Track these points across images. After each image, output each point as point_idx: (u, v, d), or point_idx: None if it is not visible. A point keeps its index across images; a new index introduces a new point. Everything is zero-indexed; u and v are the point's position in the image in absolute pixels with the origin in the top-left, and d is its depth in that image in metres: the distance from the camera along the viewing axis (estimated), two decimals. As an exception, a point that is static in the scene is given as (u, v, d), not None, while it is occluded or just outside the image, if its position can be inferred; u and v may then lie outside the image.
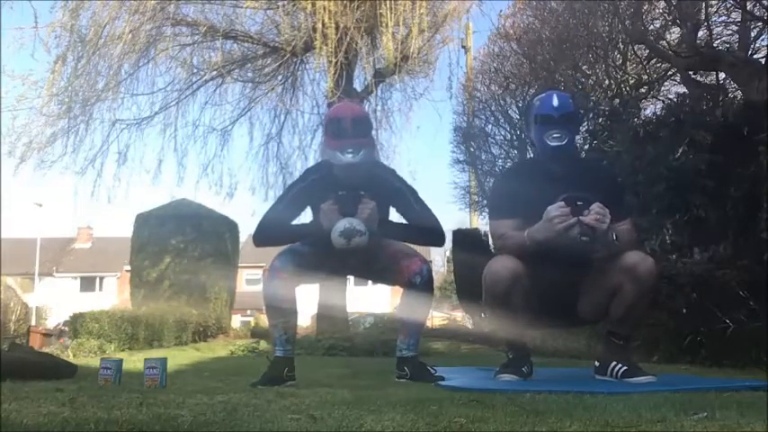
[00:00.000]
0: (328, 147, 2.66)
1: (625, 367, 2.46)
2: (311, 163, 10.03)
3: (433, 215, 2.73)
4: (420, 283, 2.61)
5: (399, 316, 2.77)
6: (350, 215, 2.51)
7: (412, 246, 2.73)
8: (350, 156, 2.56)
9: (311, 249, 2.64)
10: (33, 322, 17.72)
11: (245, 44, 10.45)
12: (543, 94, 2.66)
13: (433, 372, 2.62)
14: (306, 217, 2.76)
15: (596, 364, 2.62)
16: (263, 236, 2.74)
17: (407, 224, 2.72)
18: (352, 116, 2.65)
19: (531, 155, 3.15)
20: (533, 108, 2.65)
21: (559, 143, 2.53)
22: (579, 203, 2.33)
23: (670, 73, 7.85)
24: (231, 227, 11.61)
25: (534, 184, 2.53)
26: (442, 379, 2.54)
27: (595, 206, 2.32)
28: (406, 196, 2.75)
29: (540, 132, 2.56)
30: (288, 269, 2.59)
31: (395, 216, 2.77)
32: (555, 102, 2.56)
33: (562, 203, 2.34)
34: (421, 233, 2.72)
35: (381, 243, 2.65)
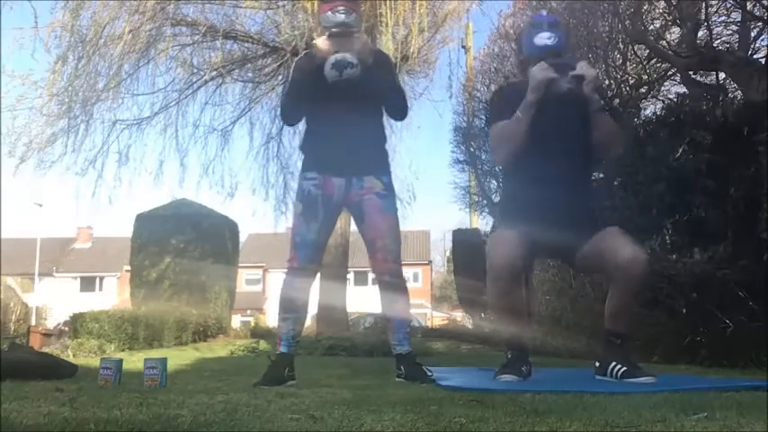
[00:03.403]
0: (322, 12, 2.74)
1: (625, 367, 2.45)
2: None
3: (405, 96, 2.93)
4: (389, 281, 2.67)
5: (382, 313, 2.81)
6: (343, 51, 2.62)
7: (394, 229, 2.72)
8: (342, 16, 2.65)
9: (316, 224, 2.67)
10: (33, 322, 17.72)
11: (245, 44, 10.45)
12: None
13: (429, 374, 2.60)
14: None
15: (596, 364, 2.63)
16: (286, 111, 3.01)
17: (385, 90, 2.81)
18: None
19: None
20: (524, 28, 2.82)
21: (549, 42, 2.58)
22: (562, 62, 2.48)
23: (670, 73, 7.84)
24: (231, 227, 11.60)
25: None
26: (434, 381, 2.54)
27: (581, 62, 2.47)
28: (392, 68, 2.93)
29: (529, 37, 2.65)
30: (308, 267, 2.69)
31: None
32: (543, 13, 2.76)
33: (543, 63, 2.46)
34: (392, 104, 2.85)
35: (373, 200, 2.68)
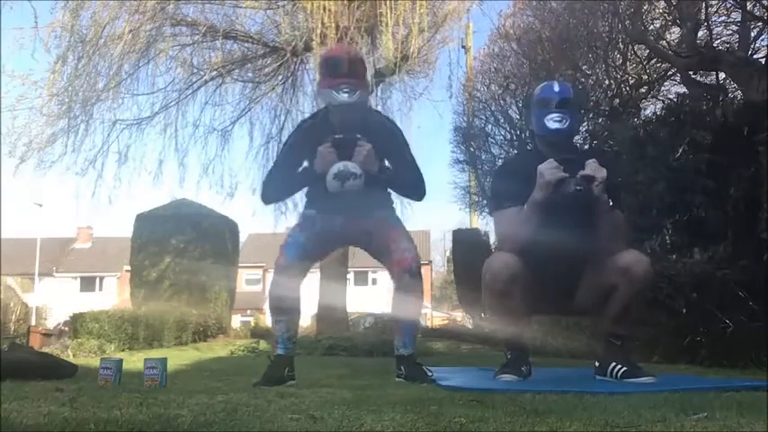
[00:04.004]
0: (323, 87, 2.64)
1: (625, 368, 2.46)
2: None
3: (420, 170, 2.76)
4: (409, 280, 2.61)
5: (392, 314, 2.77)
6: (346, 158, 2.51)
7: (406, 234, 2.71)
8: (345, 95, 2.55)
9: (310, 235, 2.66)
10: (33, 322, 17.72)
11: (245, 44, 10.45)
12: (544, 83, 2.74)
13: (429, 374, 2.60)
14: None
15: (596, 364, 2.63)
16: (268, 192, 2.87)
17: (396, 172, 2.72)
18: (348, 56, 2.65)
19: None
20: (534, 97, 2.69)
21: (559, 125, 2.54)
22: (571, 158, 2.41)
23: (670, 73, 7.85)
24: (231, 227, 11.61)
25: (533, 175, 2.48)
26: (434, 381, 2.54)
27: (590, 162, 2.39)
28: (401, 145, 2.76)
29: (539, 116, 2.58)
30: (295, 264, 2.62)
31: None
32: (555, 87, 2.62)
33: (552, 161, 2.40)
34: (406, 184, 2.77)
35: (378, 220, 2.67)
